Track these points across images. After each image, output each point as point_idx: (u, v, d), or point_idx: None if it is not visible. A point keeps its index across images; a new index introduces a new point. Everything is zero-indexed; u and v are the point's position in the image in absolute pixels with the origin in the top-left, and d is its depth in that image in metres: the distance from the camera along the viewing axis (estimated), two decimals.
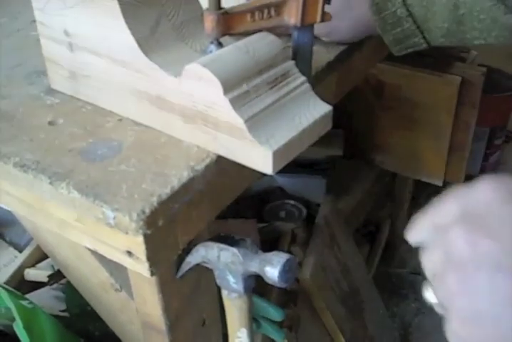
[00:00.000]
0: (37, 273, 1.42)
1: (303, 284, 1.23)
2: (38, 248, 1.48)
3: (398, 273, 2.01)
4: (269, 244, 1.32)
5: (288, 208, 1.48)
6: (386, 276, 2.00)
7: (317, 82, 0.79)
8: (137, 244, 0.61)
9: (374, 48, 1.06)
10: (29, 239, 1.54)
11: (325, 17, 0.68)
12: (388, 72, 1.53)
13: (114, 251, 0.65)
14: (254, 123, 0.56)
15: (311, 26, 0.68)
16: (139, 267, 0.63)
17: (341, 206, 1.55)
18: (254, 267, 0.69)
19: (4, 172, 0.66)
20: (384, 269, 1.99)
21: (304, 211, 1.47)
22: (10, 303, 0.91)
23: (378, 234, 1.91)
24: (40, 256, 1.46)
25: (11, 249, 1.52)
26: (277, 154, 0.56)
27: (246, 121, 0.56)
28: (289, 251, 1.31)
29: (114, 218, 0.56)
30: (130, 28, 0.62)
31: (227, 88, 0.56)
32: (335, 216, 1.46)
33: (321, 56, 0.83)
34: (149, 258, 0.61)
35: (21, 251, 1.50)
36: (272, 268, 0.66)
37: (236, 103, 0.56)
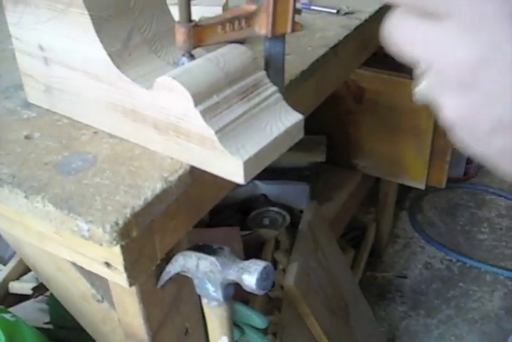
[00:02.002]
0: (21, 286, 1.42)
1: (287, 291, 1.23)
2: (21, 261, 1.48)
3: (384, 277, 2.02)
4: (253, 251, 1.33)
5: (272, 215, 1.49)
6: (373, 281, 2.01)
7: (292, 90, 0.80)
8: (115, 255, 0.61)
9: (351, 55, 1.07)
10: (13, 252, 1.54)
11: (295, 27, 0.69)
12: (368, 78, 1.55)
13: (92, 263, 0.66)
14: (225, 134, 0.57)
15: (283, 36, 0.69)
16: (118, 278, 0.64)
17: (324, 212, 1.56)
18: (232, 275, 0.69)
19: None
20: (370, 273, 2.00)
21: (288, 218, 1.48)
22: None
23: (363, 238, 1.92)
24: (24, 268, 1.46)
25: None
26: (247, 164, 0.57)
27: (217, 132, 0.56)
28: (272, 258, 1.31)
29: (88, 230, 0.57)
30: (102, 42, 0.63)
31: (197, 100, 0.56)
32: (319, 222, 1.47)
33: (296, 65, 0.84)
34: (127, 269, 0.62)
35: (5, 264, 1.50)
36: (250, 276, 0.67)
37: (207, 115, 0.57)
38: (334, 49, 0.94)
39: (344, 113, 1.65)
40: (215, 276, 0.71)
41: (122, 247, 0.60)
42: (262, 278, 0.67)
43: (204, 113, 0.57)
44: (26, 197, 0.61)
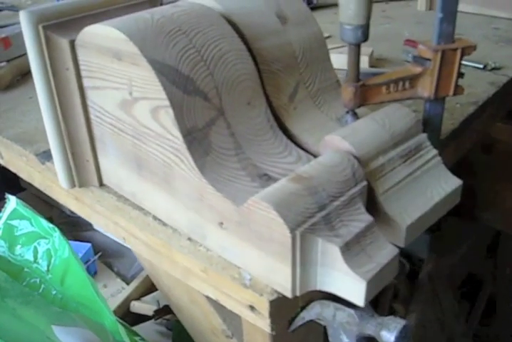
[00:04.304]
0: (142, 306, 1.49)
1: None
2: (144, 281, 1.55)
3: (499, 335, 1.93)
4: None
5: None
6: (486, 336, 1.92)
7: (443, 148, 0.81)
8: (262, 301, 0.63)
9: (495, 110, 1.06)
10: (136, 271, 1.61)
11: (458, 90, 0.70)
12: (500, 129, 1.51)
13: (236, 304, 0.68)
14: (389, 197, 0.58)
15: (443, 98, 0.70)
16: (260, 322, 0.66)
17: (444, 264, 1.53)
18: (369, 330, 0.70)
19: (143, 223, 0.71)
20: (483, 329, 1.91)
21: (408, 266, 1.46)
22: (126, 339, 0.96)
23: (479, 292, 1.85)
24: (146, 289, 1.53)
25: (119, 280, 1.60)
26: (409, 229, 0.58)
27: (381, 194, 0.58)
28: (390, 307, 1.30)
29: (250, 279, 0.60)
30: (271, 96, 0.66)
31: (364, 161, 0.58)
32: (438, 274, 1.44)
33: (446, 123, 0.84)
34: (271, 315, 0.64)
35: (127, 283, 1.57)
36: (389, 333, 0.67)
37: (372, 177, 0.59)
38: (483, 107, 0.93)
39: (471, 163, 1.62)
40: (351, 329, 0.71)
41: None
42: (401, 336, 0.67)
43: (369, 175, 0.58)
44: (189, 239, 0.65)
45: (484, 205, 1.64)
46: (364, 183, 0.58)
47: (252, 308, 0.66)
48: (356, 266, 0.53)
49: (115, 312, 1.45)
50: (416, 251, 1.52)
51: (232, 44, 0.61)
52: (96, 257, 1.57)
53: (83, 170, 0.74)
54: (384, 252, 0.55)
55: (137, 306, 1.48)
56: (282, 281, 0.56)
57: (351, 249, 0.53)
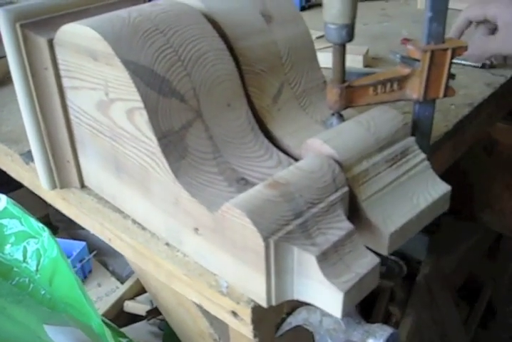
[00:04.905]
0: (136, 306, 1.47)
1: None
2: (138, 281, 1.53)
3: (498, 338, 1.91)
4: (366, 299, 1.30)
5: (388, 263, 1.45)
6: (485, 340, 1.90)
7: (434, 151, 0.79)
8: (243, 307, 0.62)
9: (492, 112, 1.04)
10: (131, 270, 1.60)
11: (448, 92, 0.67)
12: (502, 130, 1.49)
13: (219, 310, 0.67)
14: (372, 202, 0.56)
15: (433, 100, 0.68)
16: (243, 329, 0.64)
17: (442, 266, 1.51)
18: (356, 337, 0.68)
19: (123, 226, 0.70)
20: (482, 333, 1.89)
21: (405, 268, 1.43)
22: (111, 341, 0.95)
23: (479, 295, 1.82)
24: (140, 289, 1.52)
25: (113, 279, 1.58)
26: (393, 236, 0.56)
27: (364, 200, 0.56)
28: (386, 310, 1.28)
29: (227, 287, 0.58)
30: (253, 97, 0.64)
31: (347, 166, 0.56)
32: (436, 276, 1.42)
33: (439, 125, 0.82)
34: (254, 322, 0.62)
35: (122, 282, 1.56)
36: (375, 341, 0.66)
37: (355, 182, 0.57)
38: (478, 108, 0.91)
39: (473, 164, 1.59)
40: (338, 335, 0.70)
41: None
42: None
43: (352, 181, 0.56)
44: (167, 244, 0.63)
45: (483, 207, 1.61)
46: (346, 189, 0.56)
47: (234, 314, 0.64)
48: (333, 276, 0.51)
49: (109, 312, 1.45)
50: (414, 253, 1.49)
51: (212, 44, 0.59)
52: (91, 256, 1.55)
53: (63, 171, 0.73)
54: (364, 261, 0.53)
55: (131, 306, 1.47)
56: (257, 290, 0.54)
57: (328, 258, 0.51)
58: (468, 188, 1.62)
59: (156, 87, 0.55)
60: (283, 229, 0.50)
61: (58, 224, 1.68)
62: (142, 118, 0.55)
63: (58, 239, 1.50)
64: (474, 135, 1.01)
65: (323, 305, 0.53)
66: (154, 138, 0.54)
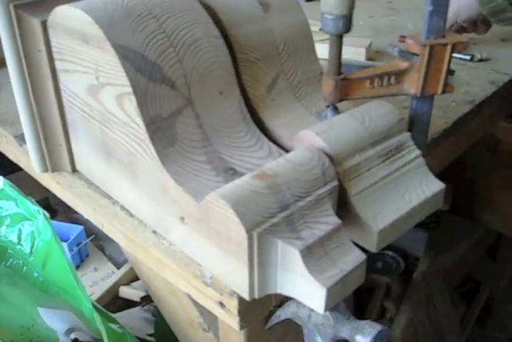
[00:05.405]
0: (130, 292, 1.47)
1: None
2: None
3: (494, 338, 1.90)
4: (361, 294, 1.29)
5: (386, 259, 1.45)
6: (481, 340, 1.89)
7: (432, 148, 0.77)
8: (230, 298, 0.61)
9: (495, 110, 1.02)
10: None
11: (447, 89, 0.66)
12: (506, 129, 1.47)
13: (207, 299, 0.66)
14: (363, 198, 0.55)
15: (431, 96, 0.67)
16: (230, 320, 0.64)
17: (441, 263, 1.50)
18: (344, 333, 0.67)
19: (111, 212, 0.69)
20: (479, 332, 1.88)
21: (402, 264, 1.43)
22: (101, 327, 0.95)
23: (477, 294, 1.81)
24: (135, 275, 1.51)
25: (110, 264, 1.58)
26: (382, 233, 0.55)
27: (354, 195, 0.55)
28: (382, 306, 1.27)
29: (211, 277, 0.57)
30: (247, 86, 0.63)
31: (338, 160, 0.55)
32: (434, 273, 1.41)
33: (438, 122, 0.81)
34: (240, 313, 0.61)
35: (118, 268, 1.56)
36: (363, 338, 0.65)
37: (346, 176, 0.56)
38: (479, 106, 0.89)
39: (475, 163, 1.58)
40: (326, 331, 0.69)
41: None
42: None
43: (343, 175, 0.55)
44: (154, 232, 0.63)
45: (485, 206, 1.60)
46: (335, 183, 0.55)
47: (221, 304, 0.64)
48: (317, 272, 0.50)
49: (104, 296, 1.45)
50: (413, 249, 1.49)
51: (206, 30, 0.58)
52: (88, 240, 1.55)
53: (55, 155, 0.72)
54: (350, 258, 0.52)
55: (126, 292, 1.47)
56: (240, 283, 0.53)
57: (313, 253, 0.51)
58: (470, 187, 1.61)
59: (146, 73, 0.54)
60: (268, 222, 0.49)
61: (57, 207, 1.68)
62: (131, 104, 0.54)
63: (56, 222, 1.51)
64: (475, 134, 1.00)
65: (306, 300, 0.53)
66: (142, 124, 0.54)
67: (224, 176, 0.55)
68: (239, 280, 0.53)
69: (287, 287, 0.53)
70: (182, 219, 0.56)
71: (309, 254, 0.50)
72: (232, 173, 0.56)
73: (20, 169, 0.93)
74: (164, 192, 0.56)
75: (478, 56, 1.04)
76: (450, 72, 0.66)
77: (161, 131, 0.54)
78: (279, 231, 0.50)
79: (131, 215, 0.65)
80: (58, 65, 0.64)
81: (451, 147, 0.89)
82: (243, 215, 0.48)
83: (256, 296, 0.54)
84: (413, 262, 1.46)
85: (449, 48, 0.63)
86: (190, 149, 0.56)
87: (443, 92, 0.66)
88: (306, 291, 0.51)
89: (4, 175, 1.12)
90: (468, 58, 1.04)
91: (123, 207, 0.66)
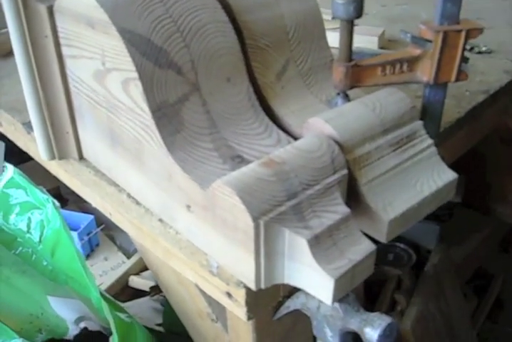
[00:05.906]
0: (140, 282, 1.48)
1: (403, 335, 1.18)
2: None
3: (506, 332, 1.88)
4: (372, 286, 1.28)
5: (397, 251, 1.43)
6: (492, 334, 1.87)
7: (443, 139, 0.76)
8: (237, 288, 0.60)
9: (509, 100, 1.00)
10: None
11: (460, 76, 0.64)
12: None
13: (214, 289, 0.65)
14: (373, 187, 0.54)
15: (445, 84, 0.65)
16: (237, 310, 0.63)
17: (452, 256, 1.48)
18: (353, 325, 0.66)
19: (118, 200, 0.68)
20: (490, 325, 1.87)
21: (414, 257, 1.41)
22: (109, 316, 0.94)
23: (489, 288, 1.79)
24: (145, 265, 1.51)
25: (120, 253, 1.58)
26: (392, 224, 0.53)
27: (364, 184, 0.54)
28: (392, 298, 1.26)
29: (217, 267, 0.56)
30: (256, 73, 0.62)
31: (348, 147, 0.54)
32: (445, 266, 1.39)
33: (451, 111, 0.79)
34: (248, 303, 0.60)
35: (128, 257, 1.56)
36: (372, 330, 0.64)
37: (356, 165, 0.54)
38: (494, 96, 0.88)
39: (487, 154, 1.55)
40: (335, 322, 0.68)
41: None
42: (385, 334, 0.63)
43: (353, 163, 0.54)
44: (160, 220, 0.62)
45: (498, 198, 1.58)
46: (344, 171, 0.53)
47: (229, 295, 0.63)
48: (325, 262, 0.49)
49: (113, 286, 1.45)
50: (424, 242, 1.47)
51: (214, 15, 0.57)
52: (99, 229, 1.55)
53: (62, 142, 0.72)
54: (359, 248, 0.51)
55: (136, 281, 1.47)
56: (247, 272, 0.52)
57: (321, 243, 0.50)
58: (484, 179, 1.59)
59: (152, 58, 0.53)
60: (275, 210, 0.48)
61: (68, 196, 1.68)
62: (137, 89, 0.53)
63: (66, 212, 1.51)
64: (489, 124, 0.98)
65: (314, 291, 0.52)
66: (148, 110, 0.53)
67: (231, 163, 0.54)
68: (245, 270, 0.52)
69: (294, 277, 0.52)
70: (188, 207, 0.55)
71: (317, 243, 0.49)
72: (240, 161, 0.55)
73: (31, 158, 0.93)
74: (170, 180, 0.55)
75: (483, 49, 1.01)
76: (464, 59, 0.64)
77: (167, 117, 0.53)
78: (287, 220, 0.49)
79: (138, 203, 0.65)
80: (65, 50, 0.63)
81: (464, 138, 0.87)
82: (249, 203, 0.47)
83: (262, 286, 0.53)
84: (425, 255, 1.44)
85: (463, 34, 0.61)
86: (196, 136, 0.55)
87: (457, 80, 0.64)
88: (314, 281, 0.50)
89: (16, 164, 1.12)
90: (467, 48, 1.01)
91: (129, 195, 0.66)
